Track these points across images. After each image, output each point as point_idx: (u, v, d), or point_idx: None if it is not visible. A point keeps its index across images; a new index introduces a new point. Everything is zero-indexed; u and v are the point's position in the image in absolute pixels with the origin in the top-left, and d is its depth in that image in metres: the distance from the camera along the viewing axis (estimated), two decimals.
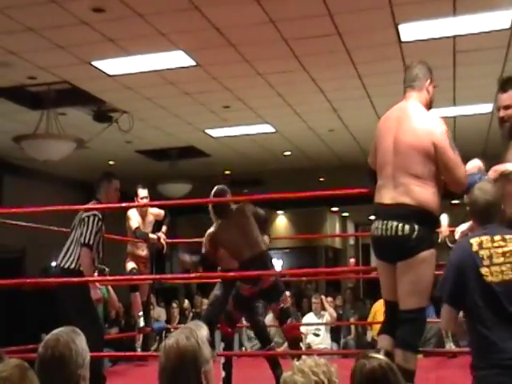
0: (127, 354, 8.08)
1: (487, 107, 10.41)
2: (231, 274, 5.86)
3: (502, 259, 3.53)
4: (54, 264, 13.80)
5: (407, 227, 4.00)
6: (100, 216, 5.97)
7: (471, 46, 7.86)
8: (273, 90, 9.26)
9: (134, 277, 7.59)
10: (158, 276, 7.58)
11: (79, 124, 10.29)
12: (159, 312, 11.10)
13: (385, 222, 4.05)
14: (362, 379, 2.57)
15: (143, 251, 7.97)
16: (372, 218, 4.26)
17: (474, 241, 3.62)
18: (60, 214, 9.67)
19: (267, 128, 11.45)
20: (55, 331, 2.62)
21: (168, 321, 10.88)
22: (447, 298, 3.65)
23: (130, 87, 9.01)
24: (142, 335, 8.12)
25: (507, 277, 3.50)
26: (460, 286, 3.59)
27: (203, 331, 2.54)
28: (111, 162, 13.78)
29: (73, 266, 5.96)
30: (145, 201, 7.71)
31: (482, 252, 3.56)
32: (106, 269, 8.05)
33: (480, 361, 3.51)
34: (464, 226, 5.36)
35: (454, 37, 7.58)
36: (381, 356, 2.65)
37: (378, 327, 10.14)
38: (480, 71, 8.75)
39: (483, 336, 3.50)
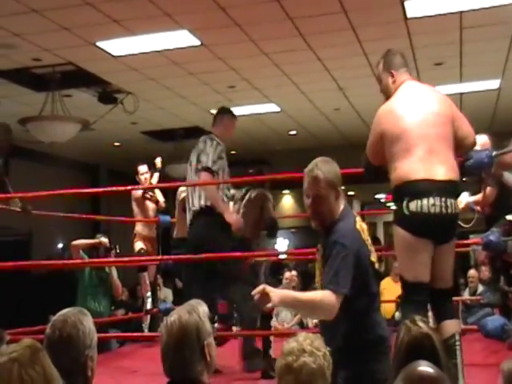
0: (134, 334, 8.11)
1: (494, 83, 10.36)
2: (238, 253, 5.86)
3: (369, 240, 3.46)
4: (60, 245, 13.93)
5: (457, 205, 4.08)
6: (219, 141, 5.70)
7: (478, 22, 7.79)
8: (278, 69, 9.22)
9: (142, 258, 7.60)
10: (165, 257, 7.57)
11: (84, 106, 10.27)
12: (166, 293, 11.11)
13: (443, 198, 3.95)
14: (405, 344, 2.55)
15: (151, 231, 7.99)
16: (378, 196, 4.23)
17: (359, 226, 3.42)
18: (66, 196, 9.72)
19: (273, 107, 11.41)
20: (62, 312, 2.62)
21: (175, 301, 10.88)
22: (349, 290, 3.27)
23: (134, 68, 8.98)
24: (149, 316, 8.14)
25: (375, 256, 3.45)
26: (359, 278, 3.31)
27: (203, 307, 2.61)
28: (117, 144, 13.78)
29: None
30: (146, 176, 7.79)
31: (364, 237, 3.42)
32: (117, 248, 8.00)
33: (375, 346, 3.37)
34: (468, 197, 5.38)
35: (461, 12, 7.51)
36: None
37: (384, 305, 10.22)
38: (487, 47, 8.69)
39: (375, 323, 3.42)
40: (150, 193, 7.68)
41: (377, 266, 3.41)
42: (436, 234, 4.04)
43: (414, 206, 3.96)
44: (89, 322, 2.60)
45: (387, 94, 4.42)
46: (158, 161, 7.84)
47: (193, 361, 2.50)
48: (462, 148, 4.24)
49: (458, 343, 4.07)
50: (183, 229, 6.67)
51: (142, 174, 7.87)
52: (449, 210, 3.96)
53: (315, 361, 2.37)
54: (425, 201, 3.94)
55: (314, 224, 3.51)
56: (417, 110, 4.12)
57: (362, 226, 3.44)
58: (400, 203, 4.03)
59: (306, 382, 2.37)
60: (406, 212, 3.99)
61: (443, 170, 4.00)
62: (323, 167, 3.41)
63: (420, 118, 4.08)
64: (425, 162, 3.98)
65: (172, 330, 2.51)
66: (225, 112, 6.03)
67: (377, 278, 3.44)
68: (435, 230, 4.01)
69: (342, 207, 3.45)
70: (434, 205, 3.94)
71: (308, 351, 2.39)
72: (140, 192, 7.66)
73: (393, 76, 4.39)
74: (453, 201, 4.00)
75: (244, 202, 6.10)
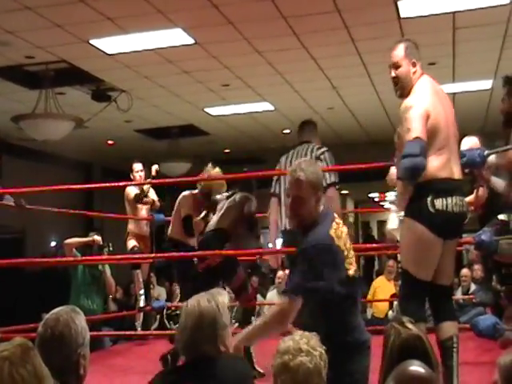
0: (127, 332, 8.11)
1: (487, 83, 10.39)
2: (231, 251, 5.88)
3: (348, 243, 3.38)
4: (54, 244, 13.89)
5: None
6: None
7: (471, 22, 7.81)
8: (272, 68, 9.22)
9: (136, 255, 7.60)
10: (159, 254, 7.58)
11: (78, 103, 10.26)
12: (159, 291, 11.11)
13: (461, 197, 4.05)
14: (396, 348, 2.50)
15: (144, 229, 7.99)
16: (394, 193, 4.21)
17: (333, 233, 3.33)
18: (59, 194, 9.72)
19: (266, 106, 11.42)
20: (55, 310, 2.62)
21: (168, 299, 10.89)
22: (303, 294, 3.24)
23: (128, 66, 8.97)
24: (142, 314, 8.15)
25: (354, 258, 3.38)
26: (330, 286, 3.26)
27: (224, 298, 2.70)
28: (110, 142, 13.77)
29: None
30: (140, 174, 7.78)
31: (340, 244, 3.33)
32: (110, 246, 7.98)
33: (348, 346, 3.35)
34: None
35: (454, 13, 7.53)
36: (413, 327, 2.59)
37: (378, 304, 10.21)
38: (479, 47, 8.71)
39: (353, 323, 3.39)
40: (145, 198, 7.67)
41: (352, 272, 3.33)
42: (450, 232, 4.10)
43: (439, 204, 3.97)
44: (81, 321, 2.60)
45: (405, 83, 4.25)
46: (154, 169, 7.80)
47: (208, 345, 2.63)
48: None
49: (455, 345, 4.08)
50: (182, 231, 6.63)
51: (137, 172, 7.85)
52: (464, 209, 4.08)
53: (311, 360, 2.38)
54: (449, 200, 3.99)
55: (293, 225, 3.52)
56: (442, 108, 4.13)
57: (341, 230, 3.37)
58: (423, 200, 4.00)
59: (303, 382, 2.37)
60: (432, 210, 3.98)
61: (458, 169, 4.10)
62: (306, 169, 3.37)
63: (445, 118, 4.11)
64: (448, 161, 4.04)
65: (190, 315, 2.65)
66: (315, 126, 6.07)
67: (353, 283, 3.35)
68: (454, 228, 4.11)
69: (321, 210, 3.42)
70: (456, 204, 4.01)
71: (304, 350, 2.39)
72: (132, 194, 7.65)
73: (414, 66, 4.27)
74: (464, 199, 4.12)
75: (228, 202, 6.14)
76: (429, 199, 3.97)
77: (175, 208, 6.62)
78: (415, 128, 3.94)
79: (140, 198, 7.63)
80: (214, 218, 6.14)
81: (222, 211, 6.07)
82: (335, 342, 3.22)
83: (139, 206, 7.86)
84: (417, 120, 3.96)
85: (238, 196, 6.12)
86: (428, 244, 4.02)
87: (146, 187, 7.65)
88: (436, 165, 4.00)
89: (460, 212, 4.03)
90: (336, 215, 3.45)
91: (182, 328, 2.66)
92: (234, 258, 6.03)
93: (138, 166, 7.87)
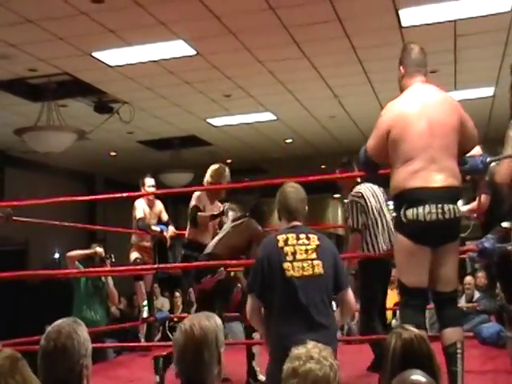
0: (131, 344, 8.09)
1: (488, 91, 10.39)
2: (234, 261, 5.83)
3: (304, 256, 3.83)
4: (57, 256, 13.89)
5: (458, 209, 4.11)
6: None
7: (472, 30, 7.83)
8: (273, 77, 9.24)
9: (138, 267, 7.58)
10: (161, 265, 7.57)
11: (80, 115, 10.28)
12: (162, 302, 11.12)
13: (439, 205, 4.00)
14: (399, 349, 2.51)
15: (148, 242, 7.95)
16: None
17: (281, 237, 3.90)
18: (62, 205, 9.73)
19: (268, 116, 11.43)
20: (57, 323, 2.62)
21: (171, 310, 10.89)
22: (256, 290, 3.90)
23: (130, 77, 8.99)
24: (145, 325, 8.13)
25: (307, 272, 3.79)
26: (266, 279, 3.85)
27: (217, 318, 2.68)
28: (113, 153, 13.78)
29: None
30: (152, 189, 7.66)
31: (286, 248, 3.84)
32: (113, 258, 7.96)
33: (272, 350, 3.82)
34: (461, 206, 5.39)
35: (455, 21, 7.54)
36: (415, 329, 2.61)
37: None
38: (481, 55, 8.72)
39: (278, 326, 3.81)
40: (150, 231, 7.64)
41: (291, 273, 3.78)
42: (433, 240, 4.08)
43: (410, 213, 4.02)
44: (83, 332, 2.60)
45: (400, 88, 4.40)
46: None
47: (211, 365, 2.56)
48: (463, 151, 4.27)
49: (459, 351, 4.08)
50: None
51: (149, 187, 7.71)
52: (446, 216, 4.00)
53: (321, 369, 2.36)
54: (420, 209, 4.00)
55: None
56: (423, 118, 4.10)
57: (297, 243, 3.86)
58: (399, 211, 4.11)
59: None
60: (404, 219, 4.06)
61: (441, 177, 4.03)
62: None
63: (425, 128, 4.07)
64: (423, 170, 4.02)
65: (192, 335, 2.56)
66: None
67: (290, 285, 3.78)
68: (432, 236, 4.06)
69: (290, 225, 3.99)
70: (430, 212, 3.99)
71: (315, 359, 2.38)
72: (139, 212, 7.54)
73: (401, 71, 4.38)
74: (451, 206, 4.03)
75: (232, 224, 6.01)
76: (402, 210, 4.08)
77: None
78: (370, 142, 4.28)
79: (145, 230, 7.58)
80: (215, 238, 5.96)
81: (223, 233, 5.88)
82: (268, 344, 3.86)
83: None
84: (376, 133, 4.25)
85: (244, 223, 5.97)
86: (409, 252, 4.09)
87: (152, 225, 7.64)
88: (403, 176, 4.07)
89: (437, 220, 3.99)
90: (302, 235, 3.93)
91: (183, 350, 2.57)
92: (229, 281, 5.89)
93: (149, 181, 7.68)
